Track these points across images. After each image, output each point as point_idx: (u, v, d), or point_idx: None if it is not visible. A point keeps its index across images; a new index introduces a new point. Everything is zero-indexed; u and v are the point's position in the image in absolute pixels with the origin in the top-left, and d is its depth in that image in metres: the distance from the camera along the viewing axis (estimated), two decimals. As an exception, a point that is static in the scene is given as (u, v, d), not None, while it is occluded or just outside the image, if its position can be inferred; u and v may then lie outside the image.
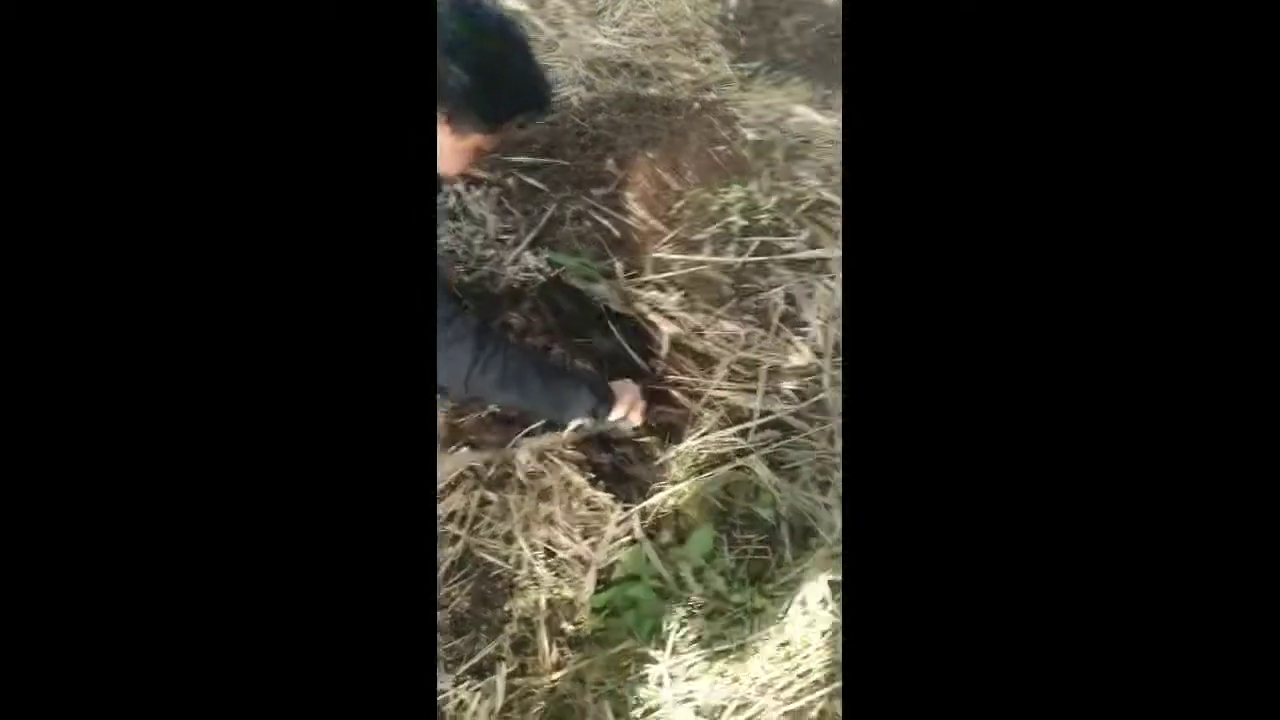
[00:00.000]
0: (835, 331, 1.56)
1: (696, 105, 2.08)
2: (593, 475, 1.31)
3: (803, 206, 1.82)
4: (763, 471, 1.31)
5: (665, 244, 1.73)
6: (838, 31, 2.49)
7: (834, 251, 1.73)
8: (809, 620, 1.14)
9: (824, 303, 1.63)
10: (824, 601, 1.14)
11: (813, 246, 1.75)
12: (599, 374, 1.38)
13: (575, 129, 1.93)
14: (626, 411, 1.29)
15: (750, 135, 1.98)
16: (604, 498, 1.28)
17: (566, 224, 1.74)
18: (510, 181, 1.80)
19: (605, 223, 1.75)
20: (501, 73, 1.01)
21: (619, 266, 1.66)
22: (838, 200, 1.85)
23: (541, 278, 1.64)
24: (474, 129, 1.04)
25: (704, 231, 1.76)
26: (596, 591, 1.18)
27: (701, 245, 1.72)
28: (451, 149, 1.05)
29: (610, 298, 1.58)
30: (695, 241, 1.73)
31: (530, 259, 1.67)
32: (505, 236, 1.71)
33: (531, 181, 1.81)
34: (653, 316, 1.56)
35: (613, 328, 1.50)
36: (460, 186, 1.76)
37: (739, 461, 1.33)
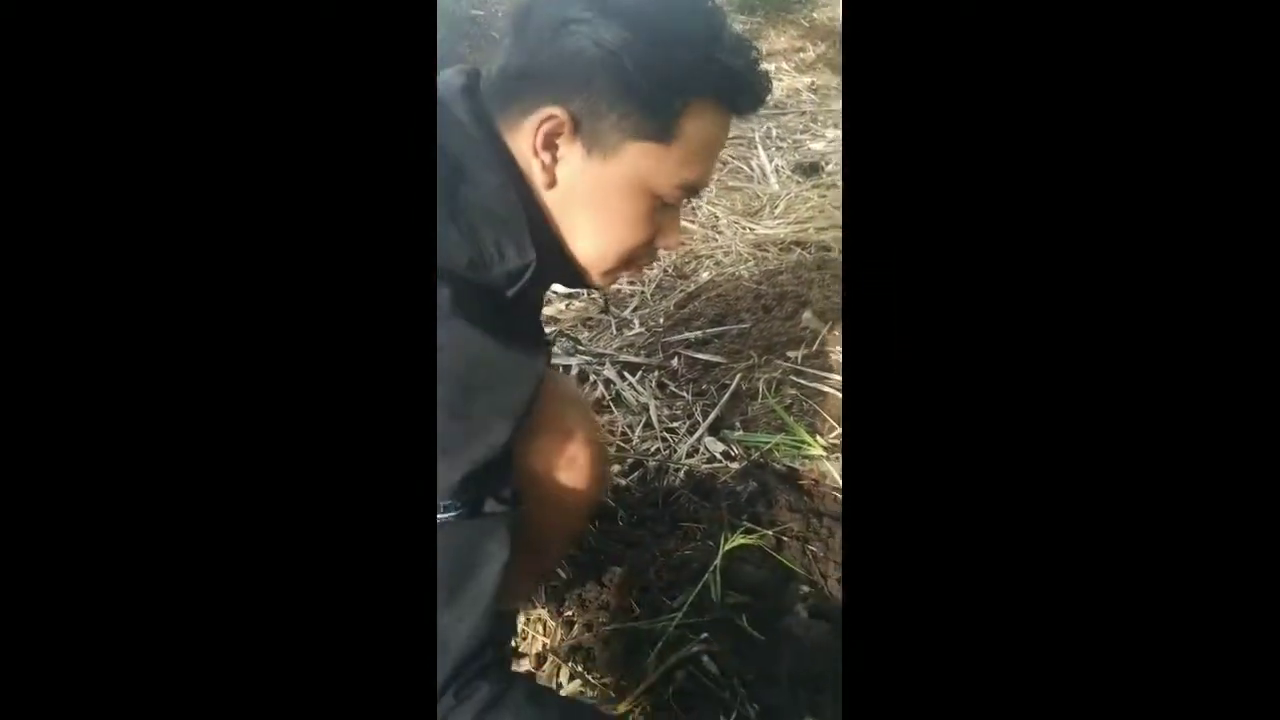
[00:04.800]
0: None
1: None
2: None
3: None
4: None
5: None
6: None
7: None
8: None
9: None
10: None
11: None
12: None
13: (751, 293, 1.50)
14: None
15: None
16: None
17: (759, 399, 1.22)
18: (675, 362, 1.35)
19: (817, 386, 1.22)
20: (687, 43, 0.59)
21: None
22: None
23: (735, 464, 1.10)
24: (633, 133, 0.59)
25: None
26: None
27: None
28: (588, 179, 0.60)
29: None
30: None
31: (715, 444, 1.14)
32: (674, 425, 1.21)
33: (703, 356, 1.34)
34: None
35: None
36: (611, 372, 1.32)
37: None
